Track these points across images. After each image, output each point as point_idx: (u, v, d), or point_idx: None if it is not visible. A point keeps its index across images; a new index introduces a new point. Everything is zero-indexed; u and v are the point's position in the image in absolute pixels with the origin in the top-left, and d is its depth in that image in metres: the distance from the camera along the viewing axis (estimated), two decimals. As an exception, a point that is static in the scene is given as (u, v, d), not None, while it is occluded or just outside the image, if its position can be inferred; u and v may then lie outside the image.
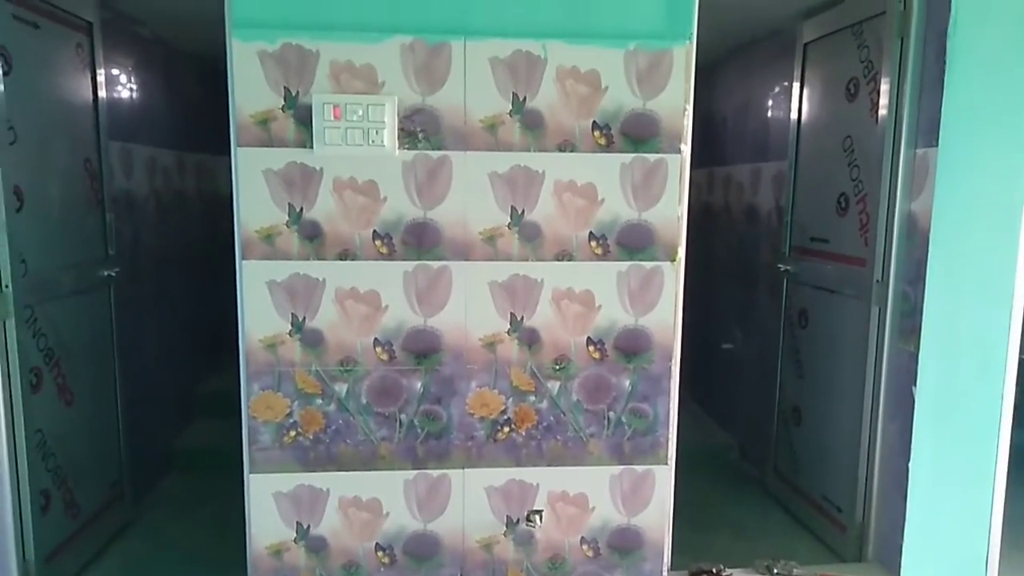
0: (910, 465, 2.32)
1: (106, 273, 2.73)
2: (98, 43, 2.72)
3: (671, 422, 2.25)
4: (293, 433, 2.15)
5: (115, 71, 3.01)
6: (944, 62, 2.14)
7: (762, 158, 3.51)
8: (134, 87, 3.21)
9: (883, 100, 2.37)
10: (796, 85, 3.00)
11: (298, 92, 2.02)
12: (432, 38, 2.03)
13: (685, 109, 2.12)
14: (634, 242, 2.16)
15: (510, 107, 2.08)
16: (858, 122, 2.56)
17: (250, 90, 2.01)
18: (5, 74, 2.16)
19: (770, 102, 3.45)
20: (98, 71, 2.72)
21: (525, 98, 2.08)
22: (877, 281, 2.41)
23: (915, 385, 2.28)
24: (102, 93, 2.75)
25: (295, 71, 2.01)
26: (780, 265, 3.11)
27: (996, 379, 2.29)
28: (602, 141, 2.11)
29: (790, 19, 3.00)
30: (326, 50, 2.01)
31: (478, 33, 2.04)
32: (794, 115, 3.03)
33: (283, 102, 2.02)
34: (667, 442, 2.26)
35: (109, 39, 2.83)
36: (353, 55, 2.02)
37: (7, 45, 2.18)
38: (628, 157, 2.12)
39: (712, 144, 4.11)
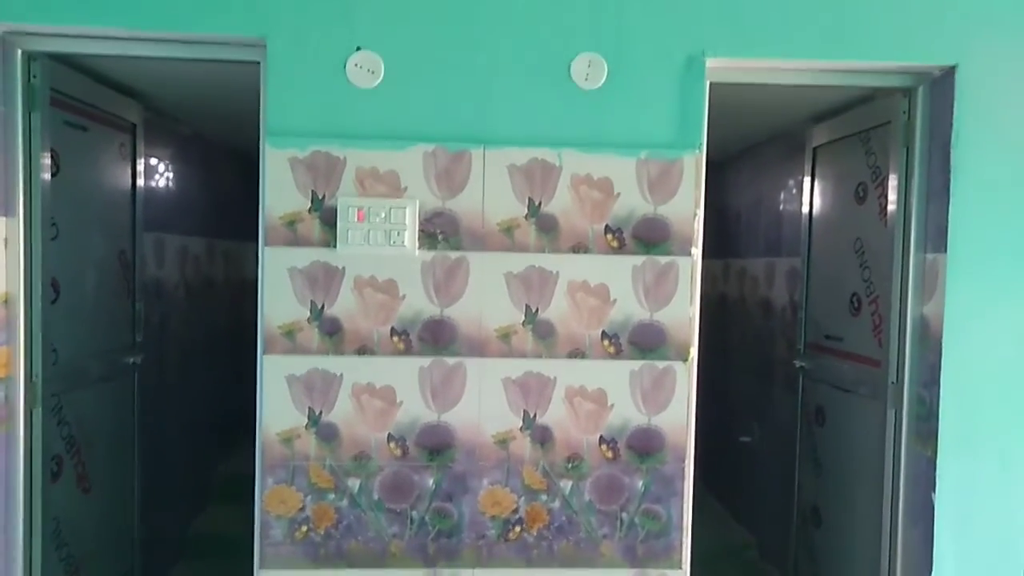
0: (932, 575, 2.25)
1: (132, 360, 2.81)
2: (140, 141, 2.89)
3: (685, 525, 2.22)
4: (305, 528, 2.15)
5: (154, 166, 3.18)
6: (949, 171, 2.21)
7: (775, 253, 3.56)
8: (170, 180, 3.37)
9: (891, 205, 2.43)
10: (807, 185, 3.08)
11: (324, 195, 2.12)
12: (453, 146, 2.14)
13: (695, 214, 2.19)
14: (646, 341, 2.19)
15: (526, 211, 2.16)
16: (868, 225, 2.62)
17: (280, 193, 2.12)
18: (53, 175, 2.30)
19: (782, 200, 3.53)
20: (138, 166, 2.88)
21: (541, 202, 2.16)
22: (892, 383, 2.41)
23: (934, 491, 2.24)
24: (140, 186, 2.90)
25: (323, 176, 2.12)
26: (796, 361, 3.11)
27: (1017, 487, 2.24)
28: (614, 244, 2.18)
29: (799, 124, 3.11)
30: (353, 157, 2.12)
31: (497, 142, 2.15)
32: (805, 214, 3.10)
33: (310, 204, 2.12)
34: (681, 545, 2.22)
35: (150, 137, 3.00)
36: (378, 161, 2.13)
37: (57, 148, 2.33)
38: (640, 259, 2.18)
39: (727, 236, 4.18)
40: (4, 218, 2.13)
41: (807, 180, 3.09)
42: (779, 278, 3.50)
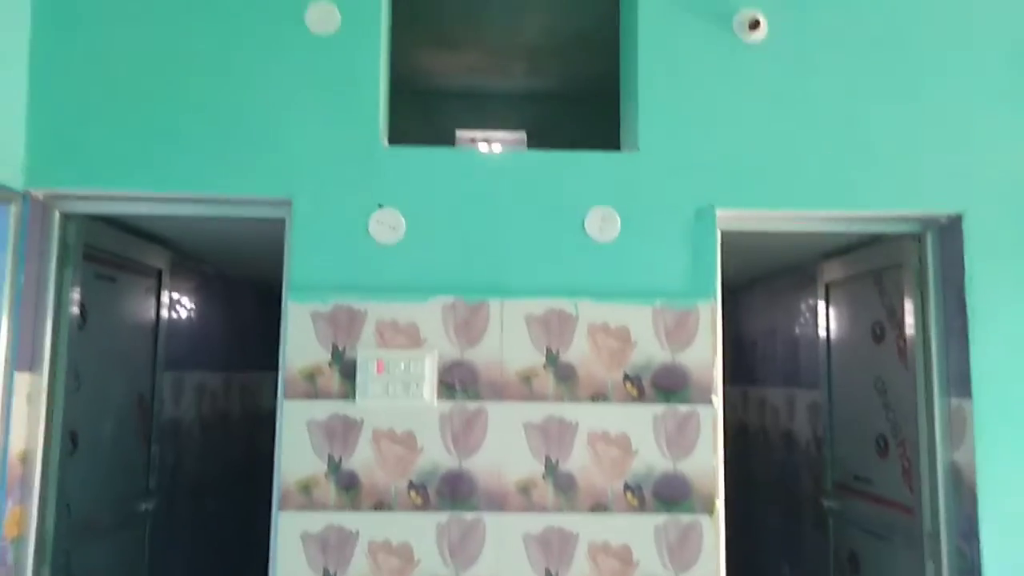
0: None
1: (144, 507, 2.76)
2: (165, 285, 2.96)
3: None
4: None
5: (176, 306, 3.25)
6: (965, 316, 2.21)
7: (795, 384, 3.52)
8: (191, 318, 3.43)
9: (911, 348, 2.41)
10: (822, 319, 3.09)
11: (345, 348, 2.15)
12: (472, 297, 2.18)
13: (714, 362, 2.19)
14: (670, 493, 2.13)
15: (544, 360, 2.17)
16: (888, 365, 2.59)
17: (301, 346, 2.14)
18: (80, 327, 2.35)
19: (798, 331, 3.53)
20: (161, 309, 2.94)
21: (559, 351, 2.17)
22: (928, 533, 2.31)
23: (985, 655, 2.10)
24: (162, 328, 2.95)
25: (344, 329, 2.15)
26: (824, 500, 3.01)
27: (1075, 650, 2.10)
28: (634, 392, 2.17)
29: (810, 258, 3.15)
30: (373, 309, 2.16)
31: (514, 292, 2.19)
32: (822, 347, 3.08)
33: (330, 357, 2.14)
34: None
35: (174, 278, 3.09)
36: (398, 314, 2.17)
37: (86, 301, 2.39)
38: (660, 408, 2.16)
39: (743, 363, 4.15)
40: (29, 373, 2.16)
41: (822, 314, 3.09)
42: (800, 411, 3.45)
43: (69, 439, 2.30)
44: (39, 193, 2.19)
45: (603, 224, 2.22)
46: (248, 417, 4.23)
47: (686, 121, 2.27)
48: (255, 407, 4.32)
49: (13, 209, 2.11)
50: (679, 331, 2.19)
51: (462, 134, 5.04)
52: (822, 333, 3.10)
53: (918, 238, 2.40)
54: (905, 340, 2.47)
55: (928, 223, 2.35)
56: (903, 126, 2.28)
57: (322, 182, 2.20)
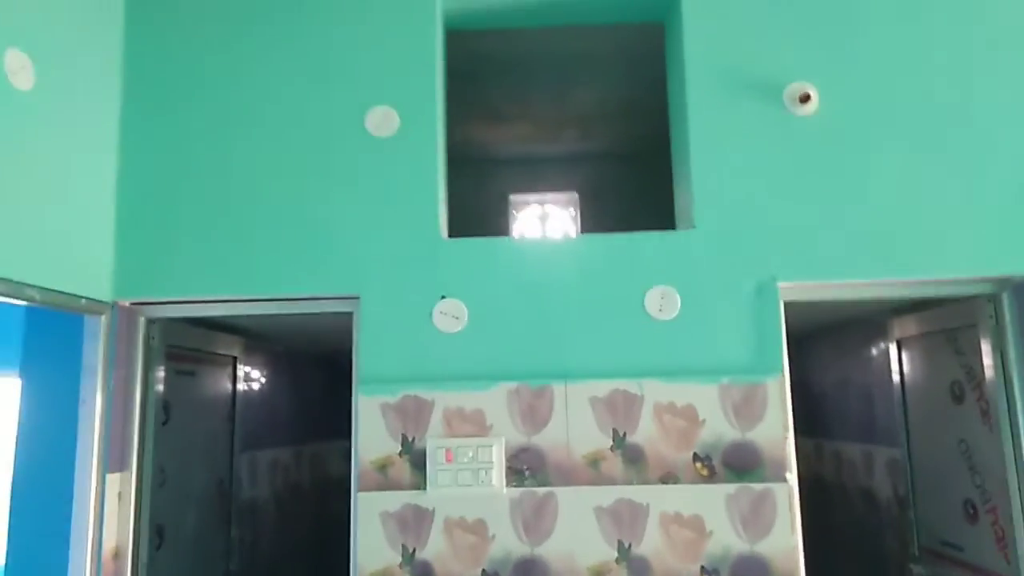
0: None
1: (226, 591, 2.84)
2: (239, 370, 3.09)
3: None
4: None
5: (250, 389, 3.37)
6: (1050, 378, 2.12)
7: (871, 440, 3.41)
8: (263, 398, 3.56)
9: (993, 410, 2.32)
10: (895, 375, 3.00)
11: (414, 438, 2.19)
12: (535, 382, 2.21)
13: (785, 438, 2.15)
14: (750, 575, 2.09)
15: (611, 442, 2.17)
16: (971, 427, 2.50)
17: (371, 438, 2.20)
18: (164, 423, 2.47)
19: (871, 385, 3.42)
20: (237, 394, 3.06)
21: (625, 433, 2.17)
22: (1028, 608, 2.19)
23: None
24: (238, 411, 3.06)
25: (412, 419, 2.20)
26: (912, 565, 2.87)
27: None
28: (704, 472, 2.14)
29: (879, 312, 3.07)
30: (440, 399, 2.21)
31: (577, 375, 2.21)
32: (898, 404, 2.98)
33: (400, 447, 2.19)
34: None
35: (248, 363, 3.21)
36: (464, 402, 2.21)
37: (169, 398, 2.52)
38: (732, 487, 2.13)
39: (813, 415, 4.04)
40: (119, 473, 2.28)
41: (895, 369, 3.00)
42: (879, 468, 3.32)
43: (156, 533, 2.40)
44: (126, 302, 2.34)
45: (663, 303, 2.23)
46: (318, 486, 4.31)
47: (741, 196, 2.28)
48: (324, 476, 4.40)
49: (103, 320, 2.26)
50: (747, 408, 2.16)
51: (515, 198, 5.14)
52: (897, 389, 3.01)
53: (992, 298, 2.33)
54: (987, 402, 2.38)
55: (1002, 283, 2.28)
56: (964, 189, 2.24)
57: (387, 277, 2.28)
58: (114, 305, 2.30)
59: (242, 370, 3.12)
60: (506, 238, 2.32)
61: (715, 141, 2.32)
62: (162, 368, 2.44)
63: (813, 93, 2.27)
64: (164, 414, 2.49)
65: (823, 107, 2.29)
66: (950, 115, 2.28)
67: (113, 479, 2.25)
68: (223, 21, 2.43)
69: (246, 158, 2.35)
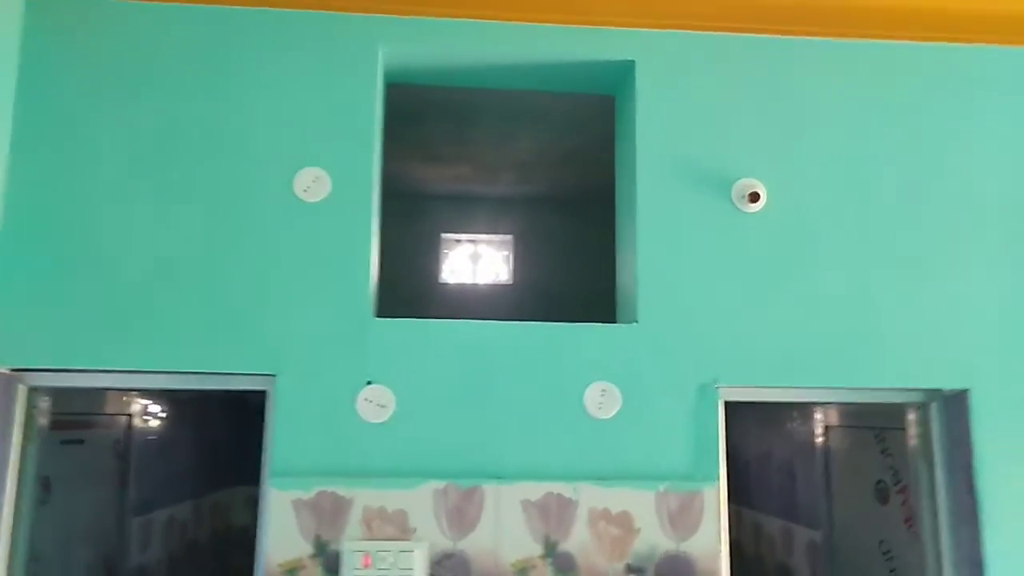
0: None
1: None
2: (134, 428, 2.80)
3: None
4: None
5: (146, 447, 3.07)
6: (974, 495, 2.14)
7: (792, 519, 3.43)
8: (162, 453, 3.26)
9: (917, 517, 2.33)
10: (819, 459, 3.02)
11: (329, 540, 2.01)
12: (465, 482, 2.06)
13: (719, 551, 2.08)
14: None
15: (542, 550, 2.05)
16: (893, 530, 2.53)
17: (281, 539, 2.00)
18: (43, 503, 2.19)
19: (795, 464, 3.44)
20: (132, 455, 2.78)
21: (557, 541, 2.05)
22: None
23: None
24: (133, 474, 2.77)
25: (328, 518, 2.02)
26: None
27: None
28: (636, 584, 2.05)
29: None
30: (360, 496, 2.03)
31: (510, 476, 2.07)
32: (821, 489, 3.01)
33: (313, 550, 2.00)
34: None
35: (145, 420, 2.92)
36: (387, 500, 2.04)
37: (51, 473, 2.24)
38: (664, 601, 2.05)
39: (737, 481, 4.05)
40: (-17, 567, 2.00)
41: (820, 455, 3.02)
42: (799, 548, 3.34)
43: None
44: (4, 370, 2.06)
45: (603, 400, 2.13)
46: (217, 539, 4.02)
47: (685, 293, 2.21)
48: (225, 527, 4.11)
49: (-26, 390, 1.98)
50: (684, 517, 2.09)
51: (447, 236, 4.99)
52: (820, 473, 3.03)
53: (922, 406, 2.34)
54: (910, 508, 2.39)
55: (932, 394, 2.30)
56: (906, 299, 2.24)
57: (308, 356, 2.09)
58: (-11, 373, 2.02)
59: (138, 427, 2.84)
60: (442, 321, 2.17)
61: (663, 231, 2.24)
62: (44, 441, 2.16)
63: (762, 192, 2.23)
64: (45, 491, 2.21)
65: (771, 206, 2.26)
66: (895, 222, 2.28)
67: (-25, 574, 1.97)
68: (137, 63, 2.19)
69: (153, 217, 2.12)
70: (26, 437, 2.11)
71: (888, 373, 2.21)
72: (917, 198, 2.30)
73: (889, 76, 2.36)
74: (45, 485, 2.21)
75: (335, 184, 2.18)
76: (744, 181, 2.25)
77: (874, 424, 2.60)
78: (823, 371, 2.19)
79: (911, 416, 2.36)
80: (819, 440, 3.01)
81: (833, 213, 2.28)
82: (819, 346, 2.20)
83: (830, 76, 2.35)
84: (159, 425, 3.21)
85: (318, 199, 2.17)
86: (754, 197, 2.21)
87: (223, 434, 4.06)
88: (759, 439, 3.86)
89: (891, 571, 2.52)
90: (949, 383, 2.22)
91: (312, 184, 2.17)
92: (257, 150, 2.18)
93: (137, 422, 2.82)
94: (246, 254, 2.12)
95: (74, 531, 2.43)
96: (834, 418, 2.89)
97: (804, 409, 3.21)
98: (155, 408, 3.16)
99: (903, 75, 2.37)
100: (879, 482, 2.60)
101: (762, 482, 3.80)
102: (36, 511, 2.15)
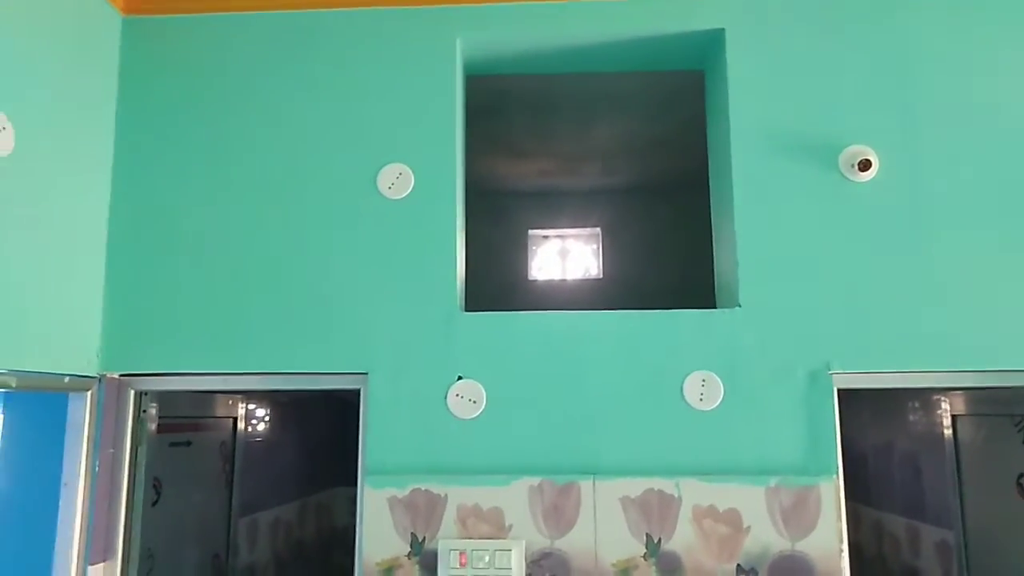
0: None
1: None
2: (239, 431, 2.88)
3: None
4: None
5: (251, 449, 3.15)
6: None
7: (919, 517, 3.15)
8: (267, 455, 3.34)
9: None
10: (949, 452, 2.76)
11: (425, 538, 1.98)
12: (561, 478, 1.99)
13: (840, 550, 1.92)
14: None
15: (644, 549, 1.94)
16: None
17: (378, 537, 1.98)
18: (154, 503, 2.27)
19: (919, 457, 3.17)
20: (237, 457, 2.85)
21: (660, 539, 1.95)
22: None
23: None
24: (236, 475, 2.85)
25: (423, 516, 1.99)
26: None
27: None
28: (749, 587, 1.91)
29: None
30: (454, 494, 1.99)
31: (608, 472, 1.98)
32: (951, 484, 2.75)
33: (409, 548, 1.98)
34: None
35: (249, 422, 2.99)
36: (481, 498, 1.99)
37: (160, 475, 2.32)
38: (781, 605, 1.90)
39: (851, 476, 3.78)
40: (103, 563, 2.08)
41: (949, 447, 2.76)
42: (927, 548, 3.07)
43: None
44: (115, 375, 2.14)
45: (704, 390, 2.01)
46: (323, 539, 4.10)
47: (791, 272, 2.05)
48: (329, 527, 4.19)
49: (89, 395, 2.06)
50: (798, 514, 1.93)
51: (534, 233, 4.93)
52: (950, 467, 2.77)
53: (1072, 389, 2.09)
54: (1063, 504, 2.13)
55: (1085, 375, 2.04)
56: (1047, 270, 2.00)
57: (398, 354, 2.07)
58: (101, 379, 2.11)
59: (242, 430, 2.92)
60: (532, 312, 2.11)
61: (763, 208, 2.09)
62: (153, 444, 2.24)
63: (874, 159, 2.04)
64: (155, 493, 2.29)
65: (884, 175, 2.06)
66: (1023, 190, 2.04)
67: (95, 571, 2.05)
68: (224, 74, 2.24)
69: (245, 222, 2.16)
70: (136, 440, 2.20)
71: (1018, 350, 1.97)
72: (1055, 156, 2.05)
73: (1013, 21, 2.12)
74: (156, 486, 2.29)
75: (418, 180, 2.15)
76: (853, 148, 2.07)
77: (1012, 412, 2.34)
78: (948, 353, 1.98)
79: (1058, 401, 2.11)
80: (946, 430, 2.75)
81: (954, 177, 2.06)
82: (942, 325, 1.99)
83: (944, 26, 2.13)
84: (263, 427, 3.30)
85: (402, 195, 2.15)
86: (865, 165, 2.02)
87: (326, 435, 4.15)
88: (876, 430, 3.58)
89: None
90: (1103, 361, 1.96)
91: (396, 181, 2.15)
92: (342, 149, 2.18)
93: (242, 425, 2.90)
94: (335, 254, 2.13)
95: (184, 530, 2.51)
96: (962, 406, 2.63)
97: (928, 398, 2.94)
98: (259, 411, 3.25)
99: (1032, 20, 2.12)
100: (1021, 476, 2.34)
101: (882, 477, 3.52)
102: (148, 511, 2.23)
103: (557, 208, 4.79)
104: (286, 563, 3.55)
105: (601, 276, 4.83)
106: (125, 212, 2.19)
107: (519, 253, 4.86)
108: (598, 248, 4.87)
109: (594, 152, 3.99)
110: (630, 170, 4.30)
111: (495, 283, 4.63)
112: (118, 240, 2.17)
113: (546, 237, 4.92)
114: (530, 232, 4.87)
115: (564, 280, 4.87)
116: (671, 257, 4.62)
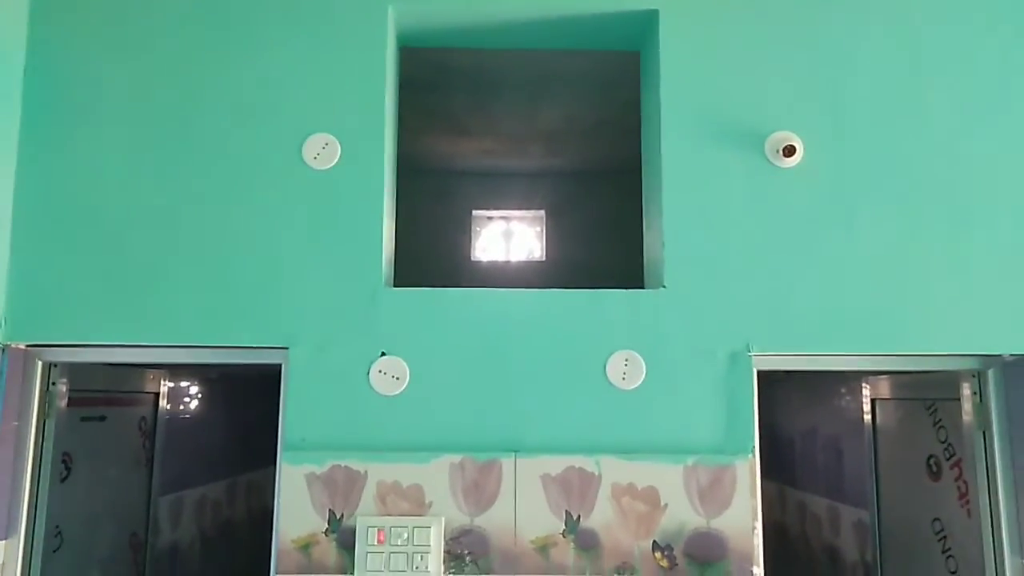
0: None
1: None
2: (160, 407, 2.79)
3: None
4: None
5: (175, 425, 3.07)
6: (1038, 470, 1.96)
7: (838, 498, 3.26)
8: (193, 432, 3.26)
9: (972, 495, 2.16)
10: (867, 435, 2.85)
11: (343, 514, 1.95)
12: (482, 455, 1.98)
13: (754, 528, 1.95)
14: None
15: (563, 526, 1.95)
16: (947, 508, 2.35)
17: (295, 513, 1.95)
18: (63, 479, 2.18)
19: (840, 440, 3.27)
20: (159, 433, 2.77)
21: (579, 517, 1.96)
22: None
23: None
24: (159, 453, 2.77)
25: (341, 493, 1.96)
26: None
27: None
28: (664, 563, 1.94)
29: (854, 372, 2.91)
30: (374, 470, 1.97)
31: (529, 449, 1.98)
32: (868, 466, 2.84)
33: (327, 525, 1.95)
34: None
35: (173, 398, 2.90)
36: (401, 475, 1.97)
37: (71, 450, 2.23)
38: (694, 581, 1.93)
39: (780, 460, 3.89)
40: (3, 541, 2.00)
41: (867, 430, 2.85)
42: (845, 528, 3.17)
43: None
44: (20, 345, 2.05)
45: (627, 370, 2.02)
46: (254, 519, 4.03)
47: (716, 254, 2.07)
48: (262, 506, 4.12)
49: (-11, 365, 1.97)
50: (714, 492, 1.96)
51: (478, 214, 4.90)
52: (868, 449, 2.86)
53: (977, 374, 2.16)
54: (966, 484, 2.22)
55: (989, 361, 2.12)
56: (959, 257, 2.06)
57: (320, 328, 2.03)
58: (5, 348, 2.02)
59: (165, 406, 2.83)
60: (455, 289, 2.08)
61: (690, 191, 2.10)
62: (63, 417, 2.15)
63: (798, 145, 2.07)
64: (64, 469, 2.20)
65: (808, 161, 2.09)
66: (945, 177, 2.10)
67: (-5, 549, 1.97)
68: (140, 34, 2.14)
69: (163, 189, 2.07)
70: (43, 413, 2.11)
71: (940, 338, 2.04)
72: (969, 148, 2.11)
73: (938, 15, 2.17)
74: (65, 461, 2.20)
75: (345, 150, 2.10)
76: (779, 134, 2.09)
77: (926, 395, 2.42)
78: (867, 336, 2.03)
79: (966, 385, 2.18)
80: (867, 415, 2.84)
81: (876, 165, 2.10)
82: (862, 309, 2.04)
83: (872, 15, 2.16)
84: (189, 404, 3.21)
85: (328, 166, 2.09)
86: (789, 151, 2.05)
87: (259, 413, 4.06)
88: (804, 416, 3.69)
89: (945, 550, 2.35)
90: (1009, 348, 2.03)
91: (322, 151, 2.10)
92: (266, 117, 2.11)
93: (164, 401, 2.82)
94: (257, 224, 2.07)
95: (97, 508, 2.43)
96: (885, 390, 2.71)
97: (852, 383, 3.03)
98: (185, 387, 3.16)
99: (955, 12, 2.17)
100: (931, 457, 2.43)
101: (807, 460, 3.62)
102: (57, 487, 2.14)
103: (501, 189, 4.77)
104: (213, 542, 3.48)
105: (544, 259, 4.83)
106: (32, 175, 2.08)
107: (462, 234, 4.83)
108: (542, 230, 4.87)
109: (538, 133, 3.98)
110: (575, 152, 4.30)
111: (439, 264, 4.59)
112: (24, 203, 2.06)
113: (490, 218, 4.90)
114: (474, 213, 4.84)
115: (508, 262, 4.86)
116: (615, 241, 4.64)
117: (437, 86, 3.28)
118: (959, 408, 2.23)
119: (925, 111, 2.13)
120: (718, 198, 2.09)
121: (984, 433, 2.14)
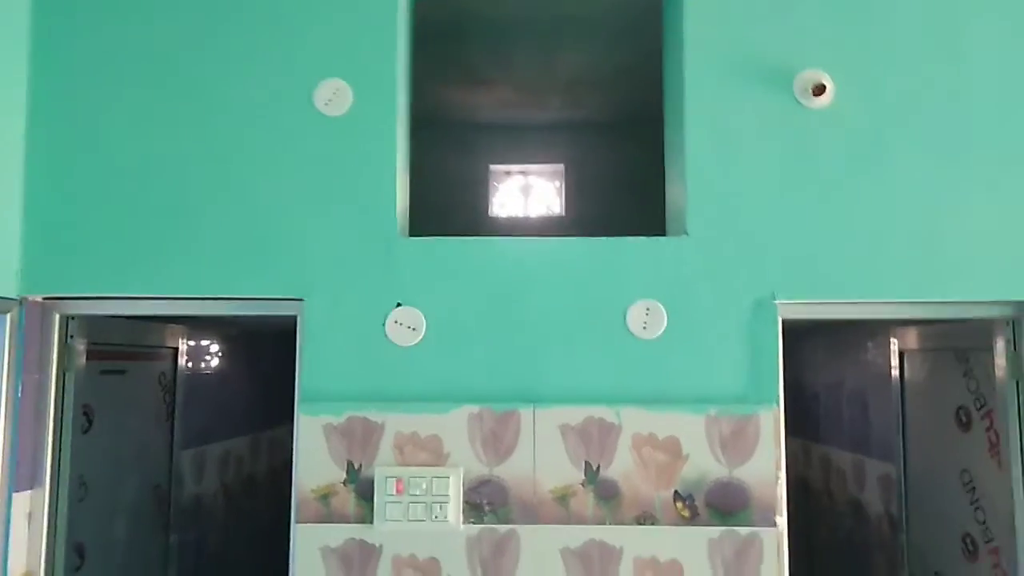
0: None
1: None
2: (180, 362, 2.80)
3: None
4: None
5: (196, 380, 3.08)
6: (1075, 419, 1.90)
7: (864, 452, 3.20)
8: (214, 388, 3.28)
9: (1003, 446, 2.10)
10: (895, 388, 2.78)
11: (361, 465, 1.94)
12: (500, 406, 1.95)
13: (777, 478, 1.92)
14: (729, 629, 1.88)
15: (583, 476, 1.93)
16: (976, 459, 2.29)
17: (313, 464, 1.95)
18: (85, 431, 2.20)
19: (867, 393, 3.20)
20: (178, 388, 2.78)
21: (599, 467, 1.93)
22: (1032, 667, 2.01)
23: None
24: (180, 407, 2.79)
25: (359, 444, 1.95)
26: (901, 594, 2.71)
27: None
28: (685, 513, 1.92)
29: (882, 322, 2.84)
30: (392, 421, 1.95)
31: (548, 400, 1.96)
32: (895, 419, 2.78)
33: (345, 475, 1.94)
34: None
35: (192, 354, 2.91)
36: (419, 426, 1.95)
37: (91, 402, 2.24)
38: (716, 531, 1.91)
39: (804, 415, 3.84)
40: (30, 491, 2.02)
41: (895, 383, 2.79)
42: (871, 481, 3.13)
43: (75, 553, 2.16)
44: (37, 298, 2.04)
45: (647, 319, 1.97)
46: (277, 474, 4.08)
47: (740, 201, 2.00)
48: (284, 462, 4.16)
49: (9, 318, 1.97)
50: (737, 442, 1.93)
51: (496, 168, 4.82)
52: (895, 402, 2.79)
53: (1011, 321, 2.08)
54: (997, 434, 2.16)
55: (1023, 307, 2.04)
56: (995, 201, 1.97)
57: (335, 279, 2.00)
58: (22, 301, 2.01)
59: (185, 361, 2.84)
60: (472, 239, 2.03)
61: (714, 135, 2.02)
62: (82, 370, 2.16)
63: (828, 84, 1.98)
64: (85, 420, 2.22)
65: (838, 101, 2.00)
66: (981, 118, 2.00)
67: (21, 498, 1.99)
68: (146, -26, 2.08)
69: (177, 139, 2.04)
70: (63, 365, 2.11)
71: (974, 284, 1.96)
72: (1009, 85, 2.00)
73: (981, -57, 2.04)
74: (86, 413, 2.22)
75: (357, 97, 2.04)
76: (808, 72, 2.00)
77: (957, 345, 2.35)
78: (897, 283, 1.96)
79: (1000, 334, 2.11)
80: (894, 368, 2.77)
81: (909, 108, 2.00)
82: (892, 255, 1.96)
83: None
84: (209, 361, 3.22)
85: (340, 113, 2.04)
86: (819, 90, 1.96)
87: (281, 369, 4.07)
88: (829, 369, 3.62)
89: (972, 502, 2.31)
90: (1045, 294, 1.96)
91: (333, 97, 2.04)
92: (277, 63, 2.06)
93: (184, 358, 2.82)
94: (270, 172, 2.03)
95: (120, 460, 2.45)
96: (913, 341, 2.64)
97: (879, 336, 2.95)
98: (205, 343, 3.16)
99: (998, -60, 2.04)
100: (960, 408, 2.36)
101: (832, 415, 3.57)
102: (79, 439, 2.16)
103: (519, 143, 4.68)
104: (236, 495, 3.52)
105: (563, 214, 4.76)
106: (45, 126, 2.05)
107: (480, 189, 4.76)
108: (561, 185, 4.79)
109: (557, 82, 3.87)
110: (594, 103, 4.19)
111: (456, 219, 4.53)
112: (38, 154, 2.04)
113: (508, 173, 4.82)
114: (491, 167, 4.76)
115: (527, 217, 4.80)
116: (636, 196, 4.53)
117: (453, 33, 3.19)
118: (991, 358, 2.16)
119: (965, 47, 2.02)
120: (743, 141, 2.01)
121: (1017, 383, 2.07)
